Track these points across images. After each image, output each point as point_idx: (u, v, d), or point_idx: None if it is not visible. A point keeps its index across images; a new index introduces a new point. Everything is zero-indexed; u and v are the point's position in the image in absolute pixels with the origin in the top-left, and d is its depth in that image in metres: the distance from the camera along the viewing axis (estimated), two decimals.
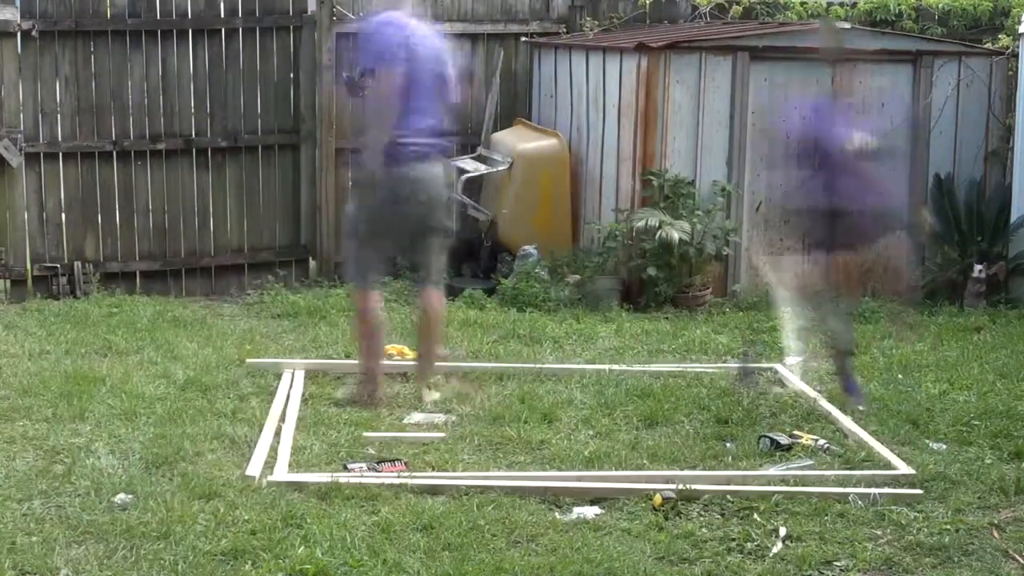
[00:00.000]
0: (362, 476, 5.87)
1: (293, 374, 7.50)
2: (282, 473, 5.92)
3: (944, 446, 6.55)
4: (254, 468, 5.91)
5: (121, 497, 5.57)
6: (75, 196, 10.02)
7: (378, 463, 6.06)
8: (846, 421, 6.79)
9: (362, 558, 4.98)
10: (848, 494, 5.76)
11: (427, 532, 5.26)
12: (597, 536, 5.32)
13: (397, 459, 6.13)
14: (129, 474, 5.85)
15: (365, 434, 6.60)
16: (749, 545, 5.27)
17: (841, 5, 11.40)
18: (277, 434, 6.44)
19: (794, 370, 7.71)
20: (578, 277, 9.65)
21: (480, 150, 10.78)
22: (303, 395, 7.19)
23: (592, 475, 5.99)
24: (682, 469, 6.08)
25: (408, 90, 6.80)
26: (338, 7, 10.42)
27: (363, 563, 4.95)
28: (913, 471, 6.06)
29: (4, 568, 4.86)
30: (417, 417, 6.89)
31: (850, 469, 6.13)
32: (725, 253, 9.66)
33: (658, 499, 5.59)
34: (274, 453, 6.15)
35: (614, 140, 9.85)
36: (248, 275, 10.47)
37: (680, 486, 5.73)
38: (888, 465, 6.16)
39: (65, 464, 5.99)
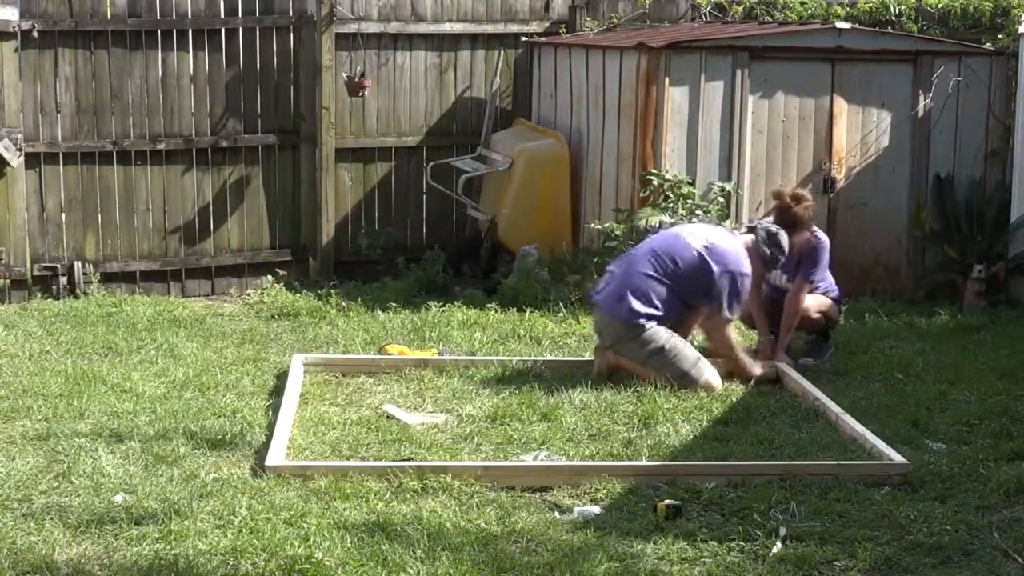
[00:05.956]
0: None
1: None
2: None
3: (944, 446, 6.55)
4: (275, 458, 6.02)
5: (121, 497, 5.57)
6: (75, 196, 10.02)
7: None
8: (843, 420, 6.79)
9: (362, 558, 4.99)
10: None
11: (427, 532, 5.26)
12: (597, 536, 5.32)
13: (409, 458, 6.15)
14: (129, 474, 5.86)
15: (384, 407, 6.87)
16: (749, 545, 5.27)
17: (841, 5, 11.40)
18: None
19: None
20: (578, 277, 9.64)
21: (480, 150, 10.78)
22: (301, 394, 7.22)
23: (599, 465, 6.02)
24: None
25: None
26: (338, 7, 10.42)
27: (363, 563, 4.95)
28: (907, 461, 6.10)
29: (4, 568, 4.86)
30: (418, 417, 6.90)
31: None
32: None
33: (661, 507, 5.57)
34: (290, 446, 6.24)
35: (614, 140, 9.85)
36: (248, 275, 10.48)
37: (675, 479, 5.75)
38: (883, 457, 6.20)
39: (65, 464, 5.99)
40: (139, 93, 10.09)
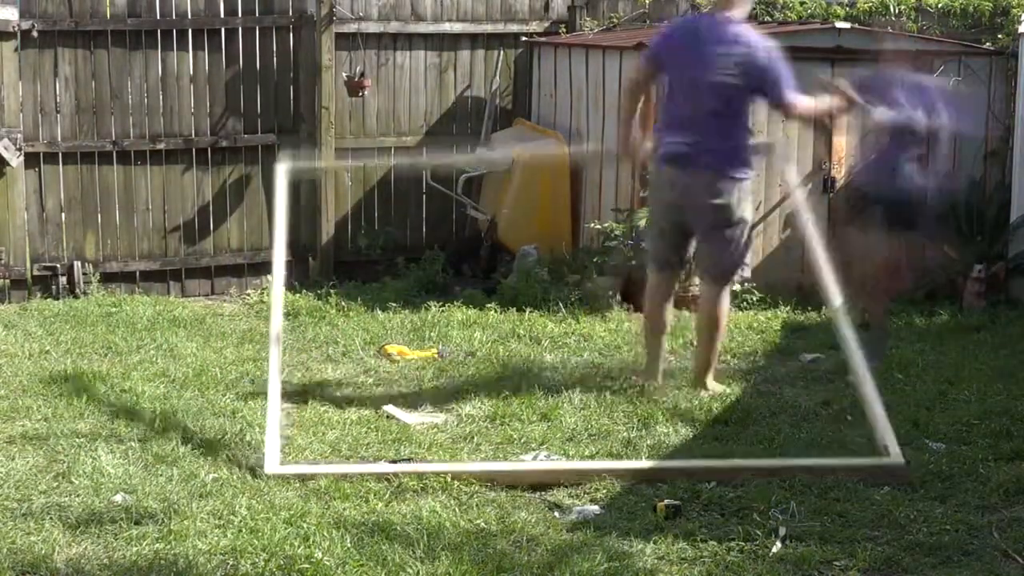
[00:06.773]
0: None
1: None
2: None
3: (943, 446, 6.55)
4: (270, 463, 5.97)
5: (121, 497, 5.57)
6: (75, 196, 10.02)
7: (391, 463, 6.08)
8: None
9: (362, 558, 4.99)
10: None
11: (427, 532, 5.26)
12: (597, 536, 5.32)
13: (409, 458, 6.15)
14: (129, 473, 5.86)
15: (384, 407, 6.86)
16: (749, 545, 5.27)
17: (841, 5, 11.40)
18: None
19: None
20: (578, 277, 9.64)
21: (480, 150, 10.77)
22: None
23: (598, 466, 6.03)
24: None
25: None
26: (338, 7, 10.42)
27: (363, 563, 4.95)
28: (904, 460, 6.10)
29: (4, 568, 4.86)
30: (418, 417, 6.90)
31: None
32: None
33: (661, 507, 5.57)
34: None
35: (614, 140, 9.83)
36: (248, 275, 10.48)
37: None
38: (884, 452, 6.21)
39: (65, 464, 5.99)
40: (139, 93, 10.09)
